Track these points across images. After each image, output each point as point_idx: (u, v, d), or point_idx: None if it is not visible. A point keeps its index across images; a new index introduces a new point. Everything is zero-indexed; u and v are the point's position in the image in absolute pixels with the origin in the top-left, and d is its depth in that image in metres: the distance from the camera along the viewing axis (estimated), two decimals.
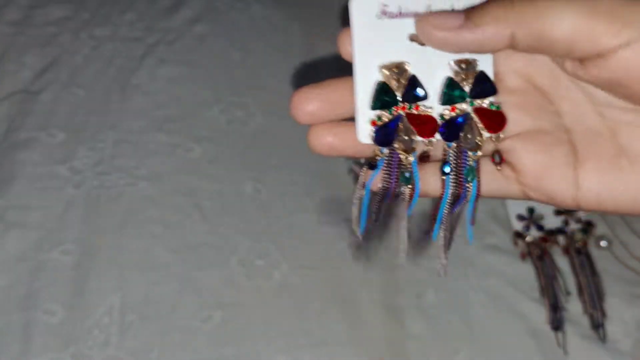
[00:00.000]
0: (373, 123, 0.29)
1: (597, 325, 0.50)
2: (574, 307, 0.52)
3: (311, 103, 0.30)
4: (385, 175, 0.30)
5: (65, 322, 0.47)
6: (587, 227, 0.56)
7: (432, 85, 0.28)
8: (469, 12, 0.26)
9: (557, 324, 0.50)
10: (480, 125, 0.29)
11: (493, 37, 0.26)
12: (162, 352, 0.47)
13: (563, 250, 0.55)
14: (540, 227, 0.55)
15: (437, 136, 0.29)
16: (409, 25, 0.28)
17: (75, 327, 0.47)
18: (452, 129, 0.29)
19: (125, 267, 0.51)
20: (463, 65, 0.28)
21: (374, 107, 0.29)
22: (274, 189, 0.58)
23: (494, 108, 0.29)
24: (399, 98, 0.29)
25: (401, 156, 0.29)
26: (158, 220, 0.55)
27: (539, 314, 0.51)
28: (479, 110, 0.29)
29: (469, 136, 0.29)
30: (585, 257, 0.54)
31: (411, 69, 0.28)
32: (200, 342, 0.47)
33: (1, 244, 0.51)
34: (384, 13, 0.28)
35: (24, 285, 0.49)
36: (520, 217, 0.56)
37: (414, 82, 0.28)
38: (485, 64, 0.29)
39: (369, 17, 0.28)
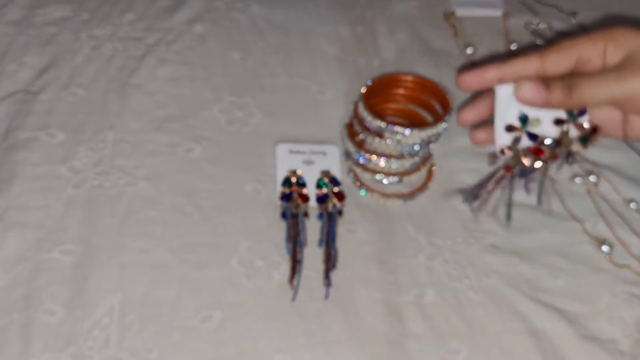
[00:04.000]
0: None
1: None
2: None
3: (469, 115, 0.50)
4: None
5: (65, 322, 0.47)
6: (590, 135, 0.48)
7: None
8: (548, 94, 0.45)
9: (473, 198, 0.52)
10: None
11: (557, 106, 0.45)
12: (162, 352, 0.47)
13: (551, 158, 0.49)
14: (533, 137, 0.48)
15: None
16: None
17: (75, 327, 0.47)
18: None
19: (125, 267, 0.51)
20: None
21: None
22: (273, 189, 0.58)
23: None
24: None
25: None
26: (158, 220, 0.55)
27: (539, 314, 0.51)
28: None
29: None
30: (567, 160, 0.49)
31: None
32: (200, 342, 0.47)
33: (1, 244, 0.51)
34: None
35: (24, 285, 0.49)
36: (510, 128, 0.48)
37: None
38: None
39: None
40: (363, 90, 0.59)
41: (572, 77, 0.44)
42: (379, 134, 0.57)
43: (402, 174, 0.59)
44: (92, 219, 0.54)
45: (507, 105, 0.47)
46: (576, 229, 0.58)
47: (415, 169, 0.59)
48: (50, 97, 0.64)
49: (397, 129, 0.56)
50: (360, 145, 0.59)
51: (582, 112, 0.47)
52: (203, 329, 0.48)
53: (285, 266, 0.52)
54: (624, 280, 0.54)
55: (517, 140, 0.48)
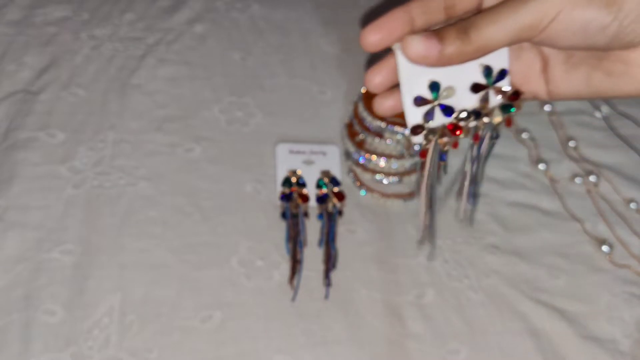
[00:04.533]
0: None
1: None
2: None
3: (377, 76, 0.39)
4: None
5: (65, 322, 0.47)
6: (512, 100, 0.41)
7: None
8: (439, 39, 0.36)
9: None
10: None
11: (458, 59, 0.36)
12: (162, 352, 0.47)
13: (473, 138, 0.42)
14: (448, 110, 0.40)
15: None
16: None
17: (75, 327, 0.47)
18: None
19: (125, 267, 0.51)
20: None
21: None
22: (273, 189, 0.58)
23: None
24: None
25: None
26: (158, 220, 0.55)
27: (539, 314, 0.51)
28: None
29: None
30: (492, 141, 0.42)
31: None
32: (200, 342, 0.47)
33: (1, 244, 0.51)
34: None
35: (24, 285, 0.49)
36: (419, 100, 0.39)
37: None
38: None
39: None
40: (363, 90, 0.59)
41: (466, 19, 0.37)
42: (379, 134, 0.57)
43: (402, 174, 0.59)
44: (92, 219, 0.54)
45: (414, 71, 0.37)
46: (576, 229, 0.58)
47: (415, 169, 0.59)
48: (50, 97, 0.64)
49: (397, 129, 0.56)
50: (360, 145, 0.59)
51: (502, 75, 0.39)
52: (203, 329, 0.48)
53: (285, 266, 0.52)
54: (624, 280, 0.54)
55: (429, 116, 0.39)
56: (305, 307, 0.50)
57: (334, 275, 0.52)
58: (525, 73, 0.41)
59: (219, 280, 0.51)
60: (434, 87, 0.38)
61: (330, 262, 0.52)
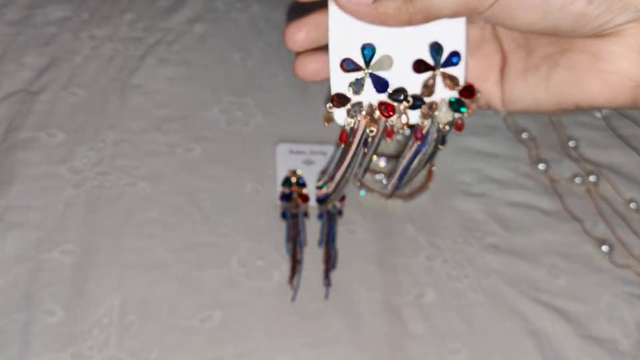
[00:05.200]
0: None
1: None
2: None
3: (301, 32, 0.34)
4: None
5: (65, 322, 0.47)
6: (466, 96, 0.34)
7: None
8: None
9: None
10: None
11: (395, 22, 0.31)
12: (162, 352, 0.47)
13: (415, 136, 0.35)
14: (381, 83, 0.33)
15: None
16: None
17: (75, 327, 0.47)
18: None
19: (125, 267, 0.51)
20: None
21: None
22: (273, 189, 0.58)
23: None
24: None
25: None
26: (158, 220, 0.55)
27: (539, 314, 0.51)
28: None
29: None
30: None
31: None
32: (200, 342, 0.47)
33: (1, 244, 0.51)
34: None
35: (24, 285, 0.49)
36: (348, 65, 0.33)
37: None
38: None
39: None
40: None
41: None
42: None
43: None
44: (92, 219, 0.54)
45: (347, 29, 0.32)
46: (576, 229, 0.58)
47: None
48: (50, 97, 0.64)
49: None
50: None
51: (455, 59, 0.33)
52: (203, 329, 0.48)
53: (285, 266, 0.52)
54: (624, 280, 0.54)
55: (357, 85, 0.32)
56: (305, 307, 0.50)
57: (334, 275, 0.52)
58: (482, 70, 0.36)
59: (219, 280, 0.51)
60: (368, 51, 0.32)
61: (330, 262, 0.52)
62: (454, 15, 0.31)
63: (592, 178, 0.62)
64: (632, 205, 0.60)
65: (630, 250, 0.57)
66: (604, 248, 0.56)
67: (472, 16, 0.32)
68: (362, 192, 0.59)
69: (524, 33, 0.35)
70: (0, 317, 0.47)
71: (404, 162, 0.37)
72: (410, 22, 0.31)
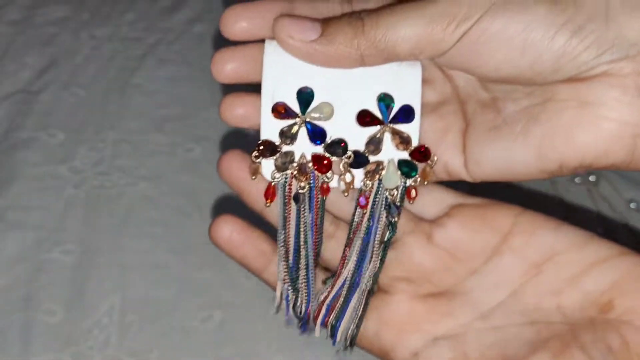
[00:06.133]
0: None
1: None
2: None
3: (229, 63, 0.30)
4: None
5: (65, 322, 0.47)
6: (419, 159, 0.30)
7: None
8: (325, 27, 0.27)
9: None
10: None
11: (345, 59, 0.27)
12: (162, 352, 0.47)
13: (358, 203, 0.30)
14: (318, 133, 0.29)
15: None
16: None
17: (75, 327, 0.47)
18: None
19: (125, 267, 0.51)
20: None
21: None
22: None
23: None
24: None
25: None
26: (158, 220, 0.55)
27: None
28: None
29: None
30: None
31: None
32: (200, 342, 0.47)
33: (1, 244, 0.51)
34: None
35: (24, 285, 0.49)
36: (280, 110, 0.29)
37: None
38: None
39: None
40: None
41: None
42: None
43: None
44: (92, 219, 0.54)
45: (284, 69, 0.28)
46: None
47: None
48: (50, 97, 0.64)
49: None
50: None
51: (407, 114, 0.29)
52: (203, 329, 0.48)
53: None
54: None
55: (288, 134, 0.28)
56: None
57: None
58: (439, 132, 0.31)
59: (219, 280, 0.51)
60: (304, 95, 0.28)
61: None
62: (413, 51, 0.27)
63: (592, 178, 0.62)
64: (632, 205, 0.60)
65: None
66: None
67: (434, 55, 0.27)
68: None
69: (492, 87, 0.30)
70: (0, 317, 0.47)
71: (351, 260, 0.31)
72: (362, 61, 0.27)
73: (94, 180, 0.57)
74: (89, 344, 0.47)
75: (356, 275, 0.30)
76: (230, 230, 0.33)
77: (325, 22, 0.27)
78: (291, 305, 0.32)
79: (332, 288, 0.32)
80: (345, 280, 0.31)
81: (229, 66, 0.30)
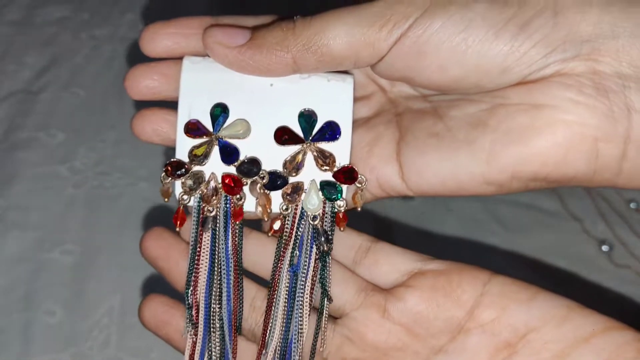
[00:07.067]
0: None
1: None
2: None
3: (144, 79, 0.28)
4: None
5: (65, 322, 0.47)
6: (342, 180, 0.28)
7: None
8: (254, 33, 0.25)
9: None
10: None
11: (276, 62, 0.25)
12: (162, 352, 0.47)
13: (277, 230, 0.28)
14: (229, 152, 0.28)
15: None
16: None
17: (75, 328, 0.47)
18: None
19: (125, 268, 0.51)
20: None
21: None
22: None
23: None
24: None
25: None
26: (158, 220, 0.55)
27: None
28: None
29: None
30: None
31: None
32: None
33: (1, 244, 0.51)
34: None
35: (24, 285, 0.49)
36: (193, 128, 0.28)
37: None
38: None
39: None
40: None
41: None
42: None
43: None
44: (92, 219, 0.54)
45: (200, 86, 0.27)
46: (576, 229, 0.58)
47: None
48: (50, 97, 0.64)
49: None
50: None
51: (332, 132, 0.26)
52: None
53: None
54: (624, 280, 0.54)
55: (196, 156, 0.27)
56: None
57: None
58: (369, 143, 0.28)
59: None
60: (218, 112, 0.26)
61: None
62: (347, 53, 0.25)
63: None
64: (632, 205, 0.60)
65: (631, 250, 0.57)
66: (604, 248, 0.56)
67: (371, 60, 0.26)
68: None
69: (434, 98, 0.28)
70: (1, 317, 0.47)
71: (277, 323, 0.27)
72: (295, 65, 0.25)
73: (94, 180, 0.57)
74: (89, 344, 0.47)
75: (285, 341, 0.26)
76: (154, 309, 0.31)
77: (256, 29, 0.26)
78: None
79: (268, 310, 0.27)
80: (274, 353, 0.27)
81: (144, 83, 0.29)
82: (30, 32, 0.70)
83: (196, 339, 0.28)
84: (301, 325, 0.26)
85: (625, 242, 0.57)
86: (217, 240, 0.27)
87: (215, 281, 0.27)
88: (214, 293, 0.27)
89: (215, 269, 0.27)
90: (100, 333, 0.47)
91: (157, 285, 0.50)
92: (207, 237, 0.27)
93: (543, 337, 0.26)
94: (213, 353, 0.28)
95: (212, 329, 0.27)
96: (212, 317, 0.27)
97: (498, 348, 0.26)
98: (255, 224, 0.29)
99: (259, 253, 0.28)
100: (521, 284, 0.28)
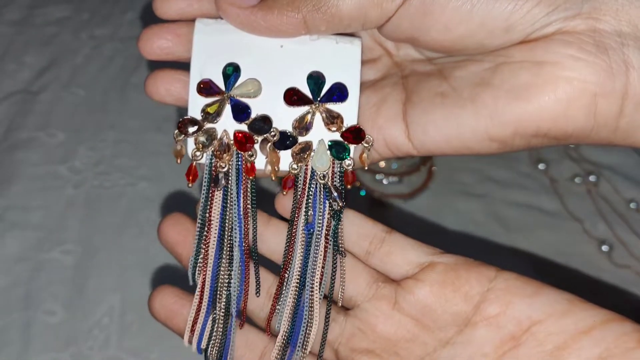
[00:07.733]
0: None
1: None
2: None
3: (157, 40, 0.29)
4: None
5: (65, 322, 0.47)
6: (350, 140, 0.28)
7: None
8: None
9: None
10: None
11: (287, 23, 0.26)
12: (162, 352, 0.47)
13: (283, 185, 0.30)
14: (241, 110, 0.28)
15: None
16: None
17: (75, 327, 0.47)
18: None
19: (125, 267, 0.51)
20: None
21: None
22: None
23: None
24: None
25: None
26: (158, 220, 0.54)
27: None
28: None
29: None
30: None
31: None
32: None
33: (1, 244, 0.51)
34: None
35: (24, 285, 0.49)
36: (205, 87, 0.28)
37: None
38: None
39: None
40: None
41: None
42: None
43: (402, 174, 0.59)
44: (92, 219, 0.54)
45: (212, 47, 0.27)
46: (576, 229, 0.58)
47: (415, 168, 0.59)
48: (50, 97, 0.64)
49: None
50: None
51: (341, 94, 0.27)
52: None
53: None
54: (624, 280, 0.54)
55: (208, 113, 0.27)
56: None
57: None
58: (376, 103, 0.29)
59: None
60: (230, 71, 0.27)
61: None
62: (357, 14, 0.25)
63: (592, 178, 0.62)
64: (632, 205, 0.60)
65: (631, 250, 0.57)
66: (604, 248, 0.56)
67: (379, 21, 0.26)
68: (362, 192, 0.59)
69: (439, 60, 0.29)
70: (1, 317, 0.47)
71: (288, 295, 0.28)
72: (305, 26, 0.26)
73: (94, 180, 0.57)
74: (89, 344, 0.47)
75: (303, 276, 0.28)
76: (165, 300, 0.33)
77: None
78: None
79: (277, 292, 0.29)
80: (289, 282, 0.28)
81: (157, 43, 0.29)
82: (30, 32, 0.70)
83: (199, 307, 0.30)
84: (312, 301, 0.27)
85: (625, 242, 0.57)
86: (229, 197, 0.27)
87: (225, 244, 0.28)
88: (224, 255, 0.28)
89: (226, 230, 0.28)
90: (100, 333, 0.47)
91: (157, 285, 0.50)
92: (218, 195, 0.27)
93: (546, 329, 0.27)
94: (217, 323, 0.30)
95: (218, 296, 0.30)
96: (221, 276, 0.29)
97: (503, 340, 0.28)
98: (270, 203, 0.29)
99: (278, 243, 0.30)
100: (525, 279, 0.29)
